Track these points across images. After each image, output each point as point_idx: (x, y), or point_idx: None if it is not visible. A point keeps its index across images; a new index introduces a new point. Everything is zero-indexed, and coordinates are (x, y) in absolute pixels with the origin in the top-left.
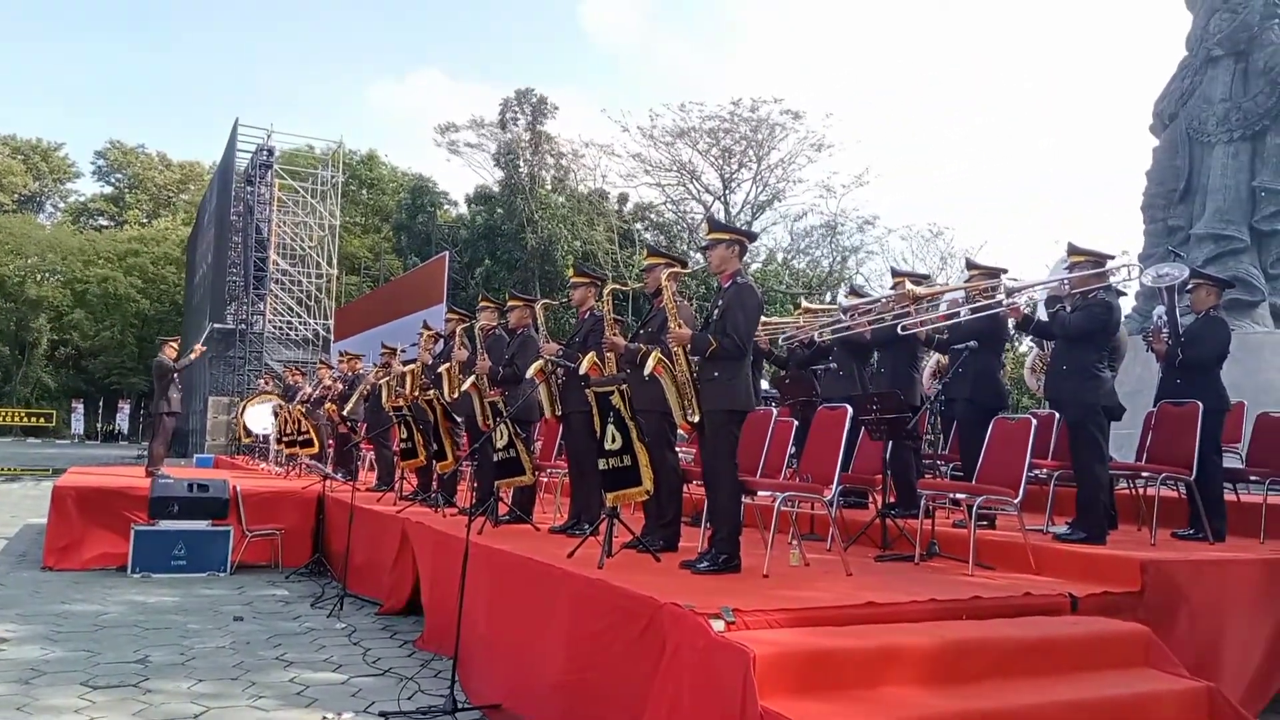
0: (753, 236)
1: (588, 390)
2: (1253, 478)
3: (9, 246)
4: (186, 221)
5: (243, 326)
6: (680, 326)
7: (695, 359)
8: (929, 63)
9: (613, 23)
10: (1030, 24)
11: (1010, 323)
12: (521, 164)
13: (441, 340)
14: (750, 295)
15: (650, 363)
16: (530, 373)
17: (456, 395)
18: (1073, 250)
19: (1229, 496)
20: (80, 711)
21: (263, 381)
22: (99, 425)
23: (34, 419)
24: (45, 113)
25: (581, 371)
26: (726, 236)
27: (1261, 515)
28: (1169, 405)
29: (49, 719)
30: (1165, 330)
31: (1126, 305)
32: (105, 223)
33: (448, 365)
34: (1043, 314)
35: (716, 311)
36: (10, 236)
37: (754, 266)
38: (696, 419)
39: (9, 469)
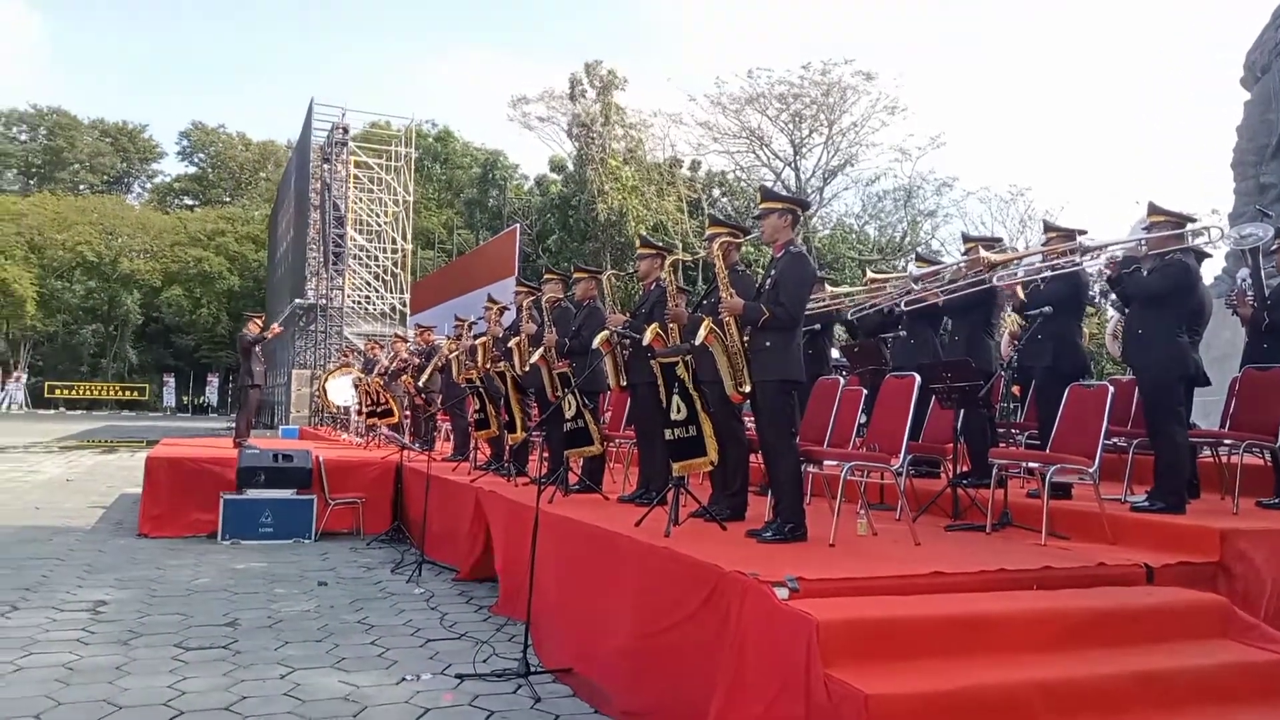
0: (806, 205)
1: (652, 361)
2: None
3: (102, 226)
4: (267, 199)
5: (323, 301)
6: (732, 296)
7: (748, 329)
8: (1011, 19)
9: None
10: None
11: (1104, 277)
12: (594, 135)
13: (512, 311)
14: (803, 264)
15: (701, 332)
16: (596, 343)
17: (527, 368)
18: (1153, 210)
19: None
20: (174, 671)
21: (342, 354)
22: (189, 398)
23: (128, 393)
24: (130, 95)
25: (645, 342)
26: (779, 205)
27: None
28: (1254, 370)
29: (145, 679)
30: (1250, 293)
31: (1216, 266)
32: (190, 201)
33: (517, 339)
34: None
35: (769, 281)
36: (103, 217)
37: (823, 233)
38: (747, 389)
39: (105, 441)
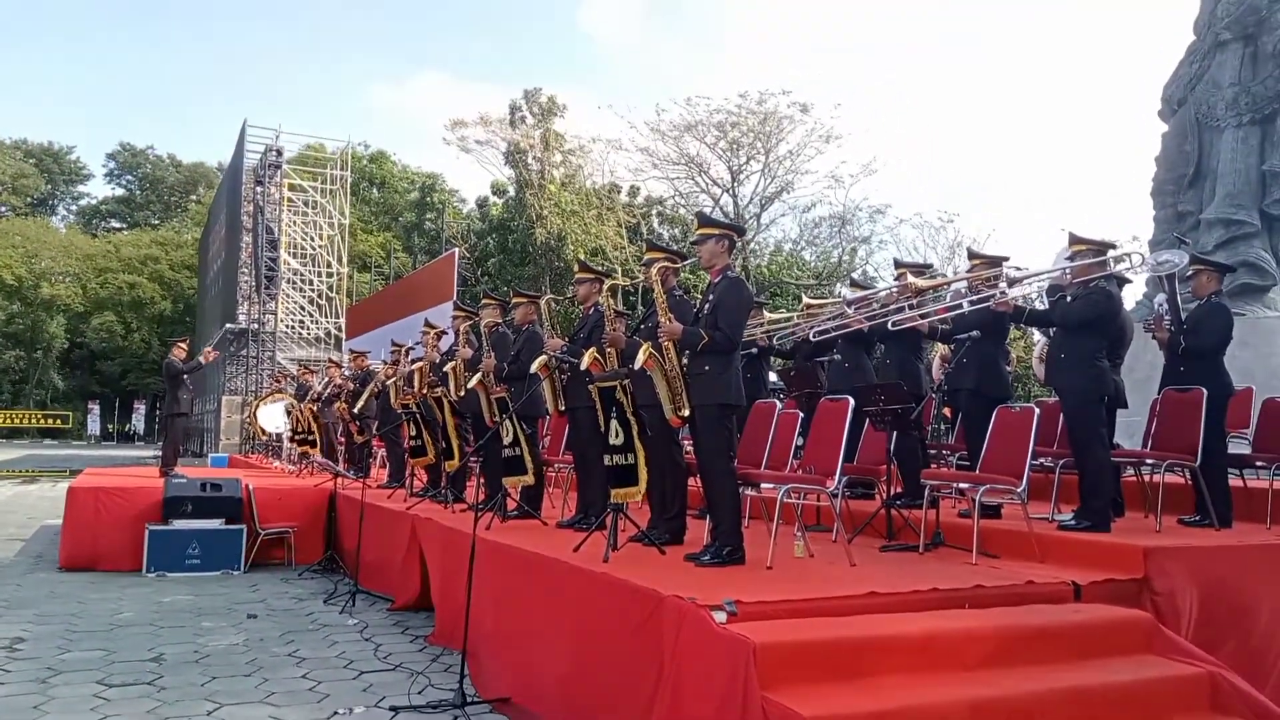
0: (741, 231)
1: (591, 386)
2: (1259, 463)
3: (23, 250)
4: (198, 222)
5: (255, 326)
6: (670, 321)
7: (686, 353)
8: (936, 52)
9: (613, 21)
10: (1041, 11)
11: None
12: (531, 161)
13: (450, 336)
14: (741, 289)
15: (641, 356)
16: (534, 368)
17: (464, 393)
18: (1074, 239)
19: (1235, 482)
20: (95, 710)
21: (275, 380)
22: (114, 426)
23: (50, 420)
24: (56, 116)
25: (583, 367)
26: (715, 231)
27: (1268, 500)
28: (1173, 392)
29: (64, 718)
30: (1167, 318)
31: (1136, 292)
32: (117, 224)
33: (453, 364)
34: (1044, 304)
35: (707, 306)
36: (25, 240)
37: (764, 258)
38: (686, 413)
39: (26, 471)
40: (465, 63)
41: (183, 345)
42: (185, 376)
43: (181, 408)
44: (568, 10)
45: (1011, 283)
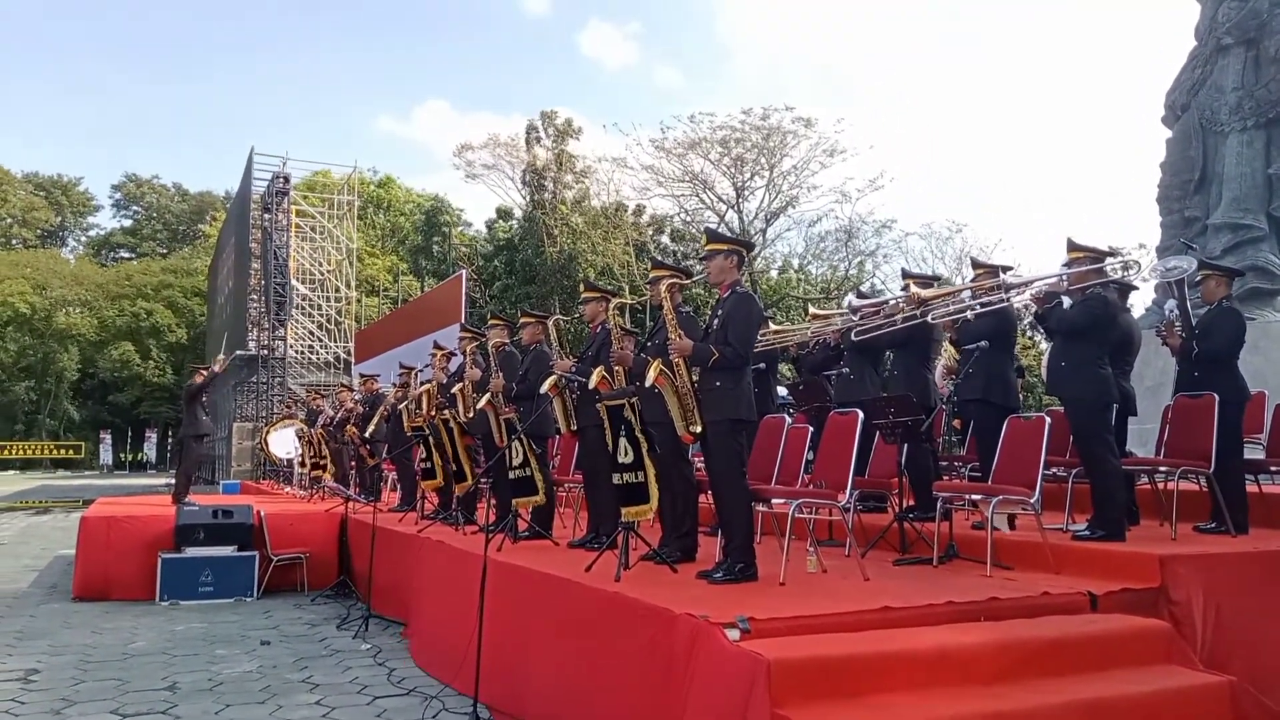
0: (750, 246)
1: (599, 404)
2: (1274, 468)
3: (34, 281)
4: (207, 250)
5: (265, 352)
6: (681, 338)
7: (696, 369)
8: (936, 52)
9: (613, 49)
10: (1045, 19)
11: (1030, 311)
12: (547, 182)
13: (459, 357)
14: (750, 304)
15: (651, 374)
16: (544, 388)
17: (472, 414)
18: (1072, 246)
19: (1251, 488)
20: None
21: (285, 405)
22: (127, 455)
23: (63, 451)
24: (64, 147)
25: (591, 385)
26: (724, 247)
27: None
28: (1185, 398)
29: None
30: (1178, 324)
31: (1145, 299)
32: (125, 255)
33: (460, 386)
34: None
35: (717, 321)
36: (35, 272)
37: (771, 273)
38: (698, 429)
39: (39, 501)
40: (469, 91)
41: (204, 371)
42: (204, 396)
43: (202, 429)
44: (568, 36)
45: (1009, 288)
